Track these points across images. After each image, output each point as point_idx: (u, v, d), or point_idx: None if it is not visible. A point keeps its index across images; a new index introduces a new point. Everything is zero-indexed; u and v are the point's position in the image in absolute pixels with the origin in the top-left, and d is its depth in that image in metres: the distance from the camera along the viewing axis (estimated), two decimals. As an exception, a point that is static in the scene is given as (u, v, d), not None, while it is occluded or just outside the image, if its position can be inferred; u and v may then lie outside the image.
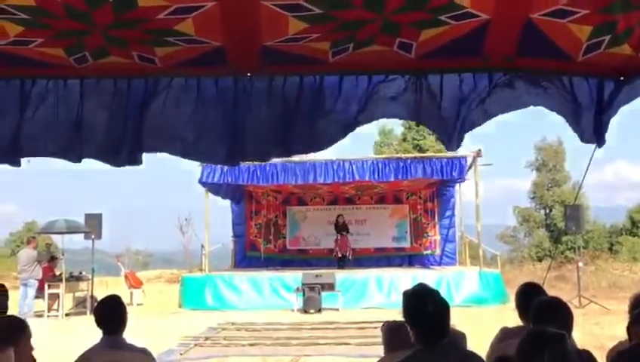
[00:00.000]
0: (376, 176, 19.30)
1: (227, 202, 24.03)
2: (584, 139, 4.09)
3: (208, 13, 3.34)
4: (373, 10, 3.37)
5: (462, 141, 4.10)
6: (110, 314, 4.09)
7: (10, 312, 4.62)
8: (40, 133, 4.07)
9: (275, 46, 3.66)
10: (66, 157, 4.14)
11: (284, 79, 4.00)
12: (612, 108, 4.03)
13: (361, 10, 3.37)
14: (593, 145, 4.24)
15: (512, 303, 4.37)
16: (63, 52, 3.71)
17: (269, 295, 18.57)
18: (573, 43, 3.65)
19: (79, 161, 4.13)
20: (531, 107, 4.12)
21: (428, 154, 27.31)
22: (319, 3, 3.28)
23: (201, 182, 19.78)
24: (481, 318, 13.26)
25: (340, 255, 21.55)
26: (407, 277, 18.23)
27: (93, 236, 18.02)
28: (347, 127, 4.04)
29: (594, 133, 4.07)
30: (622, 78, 3.98)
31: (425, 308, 3.05)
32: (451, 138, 4.10)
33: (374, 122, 4.29)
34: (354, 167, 19.27)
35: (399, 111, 4.15)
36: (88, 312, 16.64)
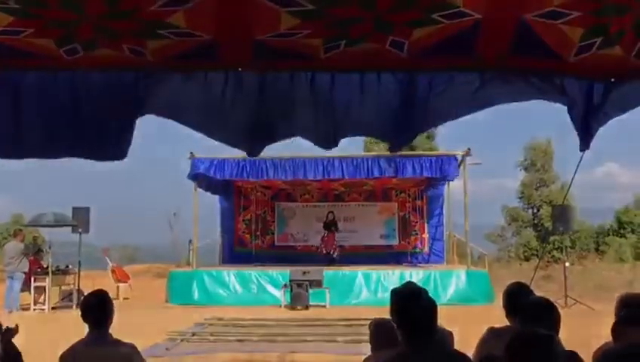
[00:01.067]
0: (365, 173, 19.28)
1: (216, 197, 24.00)
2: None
3: (200, 6, 3.32)
4: (366, 7, 3.36)
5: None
6: (96, 309, 4.07)
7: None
8: (34, 129, 4.04)
9: (267, 40, 3.64)
10: (53, 156, 4.12)
11: (275, 75, 3.98)
12: (601, 113, 4.03)
13: (354, 8, 3.36)
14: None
15: (499, 302, 4.38)
16: (53, 43, 3.68)
17: (257, 291, 18.59)
18: (564, 44, 3.66)
19: (66, 157, 4.11)
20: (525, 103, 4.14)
21: (417, 152, 27.35)
22: None
23: (190, 177, 19.73)
24: (469, 317, 13.29)
25: (324, 252, 21.53)
26: (394, 275, 18.34)
27: (80, 229, 17.96)
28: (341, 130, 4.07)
29: (580, 135, 4.08)
30: (612, 80, 3.99)
31: (412, 307, 3.05)
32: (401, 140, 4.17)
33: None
34: (343, 163, 19.25)
35: (385, 110, 4.12)
36: (74, 306, 16.59)
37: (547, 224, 34.66)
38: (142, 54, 3.78)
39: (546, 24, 3.49)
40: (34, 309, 16.99)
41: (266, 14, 3.41)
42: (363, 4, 3.33)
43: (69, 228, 18.25)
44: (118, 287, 20.41)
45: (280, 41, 3.66)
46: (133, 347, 4.10)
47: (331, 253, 21.43)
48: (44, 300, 17.17)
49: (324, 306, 17.13)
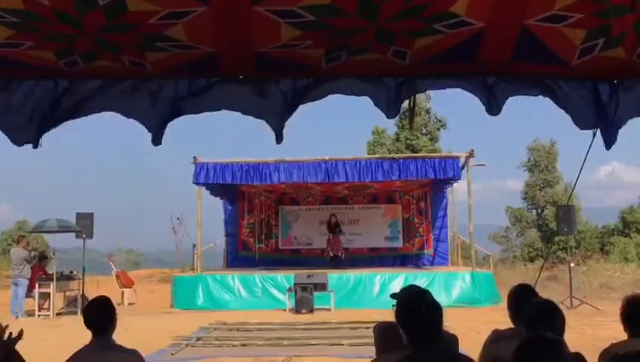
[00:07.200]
0: (369, 176, 19.26)
1: (220, 201, 24.00)
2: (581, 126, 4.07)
3: (199, 19, 3.31)
4: (368, 17, 3.35)
5: None
6: (99, 315, 4.06)
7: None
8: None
9: (268, 52, 3.63)
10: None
11: (277, 81, 3.94)
12: (617, 114, 4.00)
13: (356, 18, 3.34)
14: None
15: (504, 303, 4.36)
16: (53, 55, 3.67)
17: (261, 295, 18.59)
18: (567, 47, 3.65)
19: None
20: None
21: (421, 154, 27.31)
22: (313, 10, 3.26)
23: (195, 182, 19.72)
24: (474, 319, 13.27)
25: (331, 254, 21.54)
26: (399, 278, 18.30)
27: (84, 235, 17.97)
28: None
29: (603, 137, 4.05)
30: (615, 81, 3.98)
31: (417, 310, 3.03)
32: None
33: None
34: (347, 166, 19.23)
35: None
36: (79, 311, 16.60)
37: (552, 225, 34.65)
38: (142, 66, 3.76)
39: (548, 28, 3.48)
40: (38, 315, 17.00)
41: (267, 26, 3.39)
42: (364, 14, 3.32)
43: (73, 234, 18.27)
44: (122, 293, 20.46)
45: (281, 52, 3.64)
46: (136, 353, 4.08)
47: (339, 254, 21.45)
48: (49, 306, 17.20)
49: (329, 309, 17.11)
